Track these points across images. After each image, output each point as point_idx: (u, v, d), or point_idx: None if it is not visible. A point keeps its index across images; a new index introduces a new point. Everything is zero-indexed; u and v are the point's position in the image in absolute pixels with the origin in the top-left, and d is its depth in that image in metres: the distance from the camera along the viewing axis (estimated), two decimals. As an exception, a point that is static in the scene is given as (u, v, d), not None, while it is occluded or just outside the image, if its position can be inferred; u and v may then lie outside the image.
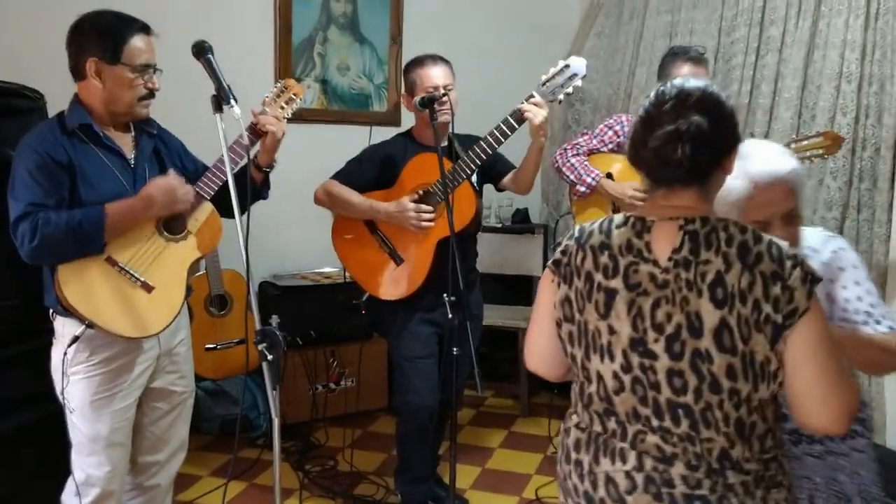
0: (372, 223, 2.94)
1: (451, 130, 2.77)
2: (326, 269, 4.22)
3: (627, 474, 1.43)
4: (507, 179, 3.05)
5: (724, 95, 1.44)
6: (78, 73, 2.20)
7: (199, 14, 3.80)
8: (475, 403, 4.44)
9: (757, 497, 1.38)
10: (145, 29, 2.21)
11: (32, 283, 2.29)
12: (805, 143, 2.73)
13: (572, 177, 3.26)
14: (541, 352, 1.65)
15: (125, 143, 2.29)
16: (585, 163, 3.26)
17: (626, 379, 1.43)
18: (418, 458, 3.07)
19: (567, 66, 2.75)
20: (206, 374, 3.83)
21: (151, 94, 2.25)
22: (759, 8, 3.59)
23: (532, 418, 4.24)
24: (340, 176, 2.95)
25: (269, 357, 1.86)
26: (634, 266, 1.43)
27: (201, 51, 2.07)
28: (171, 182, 2.24)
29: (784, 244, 1.37)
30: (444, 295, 2.50)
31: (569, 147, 3.32)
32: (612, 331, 1.45)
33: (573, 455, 1.55)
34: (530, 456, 3.77)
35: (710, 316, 1.34)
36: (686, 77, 1.48)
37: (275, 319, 3.57)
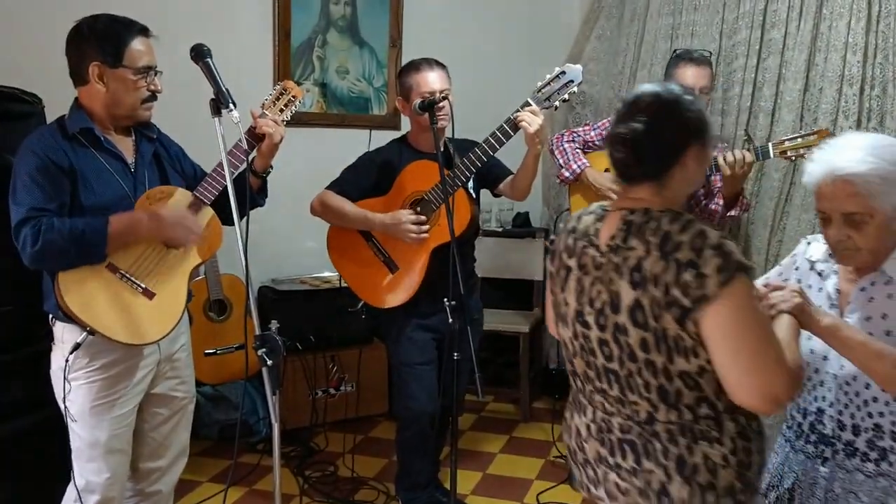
0: (367, 231, 2.92)
1: (449, 135, 2.76)
2: (326, 274, 4.20)
3: (587, 426, 1.67)
4: (503, 186, 3.04)
5: (684, 99, 1.55)
6: (79, 77, 2.19)
7: (198, 17, 3.79)
8: (476, 408, 4.42)
9: (681, 445, 1.52)
10: (144, 31, 2.21)
11: (32, 289, 2.28)
12: (800, 140, 2.75)
13: (560, 160, 3.28)
14: (554, 318, 1.82)
15: (126, 147, 2.28)
16: (577, 150, 3.29)
17: (577, 345, 1.66)
18: (418, 463, 3.06)
19: (563, 73, 2.75)
20: (206, 379, 3.81)
21: (154, 96, 2.25)
22: (760, 11, 3.57)
23: (533, 423, 4.22)
24: (336, 186, 2.92)
25: (269, 362, 1.86)
26: (585, 249, 1.63)
27: (200, 54, 2.06)
28: (189, 221, 2.24)
29: (714, 234, 1.44)
30: (445, 300, 2.50)
31: (566, 133, 3.37)
32: (566, 303, 1.67)
33: (565, 414, 1.80)
34: (531, 461, 3.75)
35: (627, 295, 1.51)
36: (659, 83, 1.60)
37: (274, 324, 3.57)
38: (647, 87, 1.58)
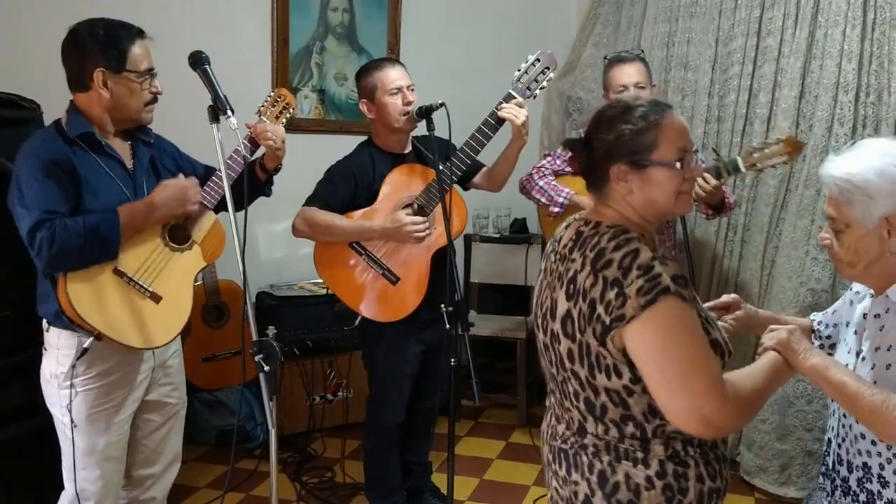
0: (358, 244, 2.81)
1: (430, 136, 2.74)
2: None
3: (545, 429, 1.72)
4: (478, 178, 3.02)
5: (619, 115, 1.54)
6: (80, 83, 2.18)
7: (196, 25, 3.80)
8: (473, 414, 4.42)
9: (604, 461, 1.53)
10: (141, 34, 2.22)
11: (26, 293, 2.27)
12: (767, 150, 2.72)
13: (543, 199, 3.25)
14: None
15: (124, 151, 2.29)
16: (553, 183, 3.28)
17: (539, 346, 1.69)
18: (393, 466, 3.08)
19: (538, 60, 2.77)
20: (203, 384, 3.81)
21: (155, 98, 2.26)
22: (756, 18, 3.59)
23: (530, 428, 4.22)
24: (315, 201, 2.79)
25: (266, 368, 1.86)
26: (550, 253, 1.67)
27: (198, 62, 2.07)
28: (181, 182, 2.27)
29: (646, 255, 1.44)
30: (442, 305, 2.49)
31: (534, 171, 3.33)
32: (534, 303, 1.71)
33: None
34: (529, 467, 3.75)
35: (562, 306, 1.54)
36: (630, 97, 1.70)
37: (271, 330, 3.57)
38: (615, 99, 1.64)
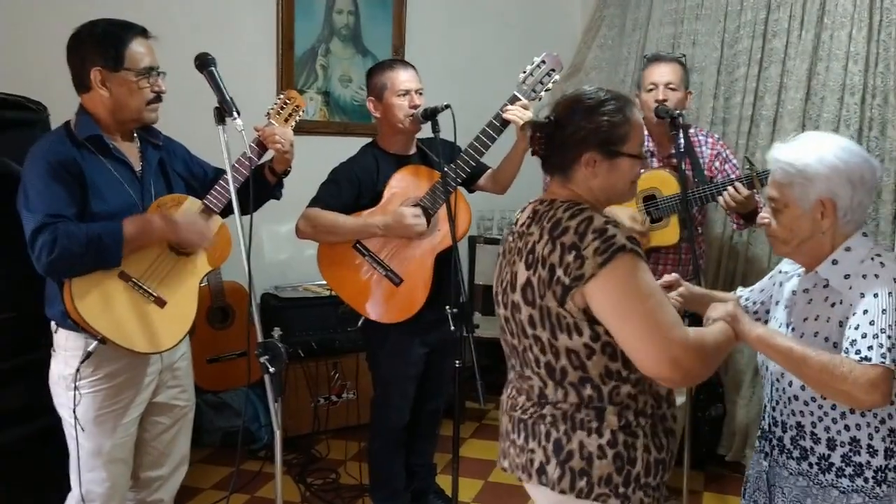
0: (361, 245, 2.82)
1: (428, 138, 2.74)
2: (328, 281, 4.20)
3: (505, 400, 1.81)
4: (483, 180, 3.02)
5: (597, 107, 1.64)
6: (83, 84, 2.18)
7: (201, 26, 3.81)
8: (477, 416, 4.41)
9: (560, 430, 1.63)
10: (143, 32, 2.21)
11: (32, 294, 2.28)
12: None
13: None
14: None
15: (132, 154, 2.28)
16: None
17: (500, 324, 1.78)
18: (397, 468, 3.08)
19: (543, 62, 2.77)
20: (208, 386, 3.81)
21: (158, 97, 2.24)
22: (761, 20, 3.59)
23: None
24: (319, 202, 2.79)
25: (271, 369, 1.86)
26: (508, 236, 1.79)
27: (204, 63, 2.07)
28: (201, 225, 2.27)
29: (599, 220, 1.56)
30: (447, 307, 2.49)
31: None
32: (494, 283, 1.81)
33: None
34: (533, 469, 3.74)
35: (522, 275, 1.65)
36: (603, 88, 1.70)
37: (276, 332, 3.56)
38: (582, 88, 1.71)
